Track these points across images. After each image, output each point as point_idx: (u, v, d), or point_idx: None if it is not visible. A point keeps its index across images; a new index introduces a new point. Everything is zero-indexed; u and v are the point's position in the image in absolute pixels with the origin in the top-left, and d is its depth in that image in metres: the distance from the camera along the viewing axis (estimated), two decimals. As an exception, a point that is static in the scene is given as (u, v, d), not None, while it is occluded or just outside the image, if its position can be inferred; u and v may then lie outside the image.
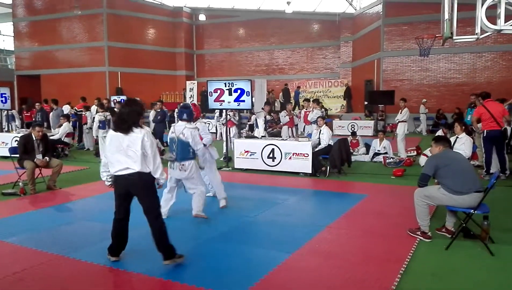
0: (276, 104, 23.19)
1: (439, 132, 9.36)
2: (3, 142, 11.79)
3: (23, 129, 12.86)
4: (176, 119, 5.73)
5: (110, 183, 4.24)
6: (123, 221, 4.21)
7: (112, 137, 4.04)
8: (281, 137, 11.44)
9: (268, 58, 27.40)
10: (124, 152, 3.96)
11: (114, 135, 4.03)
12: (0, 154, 11.38)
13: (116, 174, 4.03)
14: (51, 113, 13.79)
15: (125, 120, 3.97)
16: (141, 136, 3.96)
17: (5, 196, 7.15)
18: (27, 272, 4.02)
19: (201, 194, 5.62)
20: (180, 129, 5.48)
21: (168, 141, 5.68)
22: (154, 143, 4.08)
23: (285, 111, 12.87)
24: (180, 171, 5.51)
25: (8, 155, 8.35)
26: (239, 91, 9.56)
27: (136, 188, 4.04)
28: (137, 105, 4.13)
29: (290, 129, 12.27)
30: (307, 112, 12.18)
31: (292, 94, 23.64)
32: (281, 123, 12.75)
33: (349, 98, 23.05)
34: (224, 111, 10.52)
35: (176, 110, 22.49)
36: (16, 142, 11.11)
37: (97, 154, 11.79)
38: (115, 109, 12.48)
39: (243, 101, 9.61)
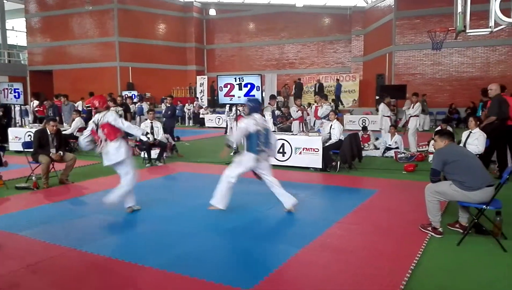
0: (287, 99, 23.11)
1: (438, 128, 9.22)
2: (16, 137, 11.94)
3: (35, 124, 13.03)
4: (236, 112, 5.77)
5: None
6: None
7: None
8: (292, 132, 11.41)
9: (279, 53, 27.31)
10: None
11: None
12: (14, 148, 11.54)
13: None
14: (63, 108, 13.94)
15: None
16: None
17: (19, 190, 7.25)
18: (41, 264, 4.09)
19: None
20: (261, 122, 5.56)
21: (251, 136, 5.46)
22: None
23: (295, 106, 12.84)
24: (265, 162, 5.62)
25: (22, 149, 8.47)
26: (249, 86, 9.57)
27: None
28: None
29: (301, 124, 12.24)
30: (318, 107, 12.15)
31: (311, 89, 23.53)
32: (292, 118, 12.72)
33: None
34: (234, 106, 10.54)
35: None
36: (30, 136, 11.30)
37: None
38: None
39: (253, 96, 9.60)
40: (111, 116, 5.52)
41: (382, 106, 11.97)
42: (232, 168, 5.60)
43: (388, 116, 11.52)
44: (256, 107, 5.67)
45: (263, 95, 14.57)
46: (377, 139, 11.94)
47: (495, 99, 7.68)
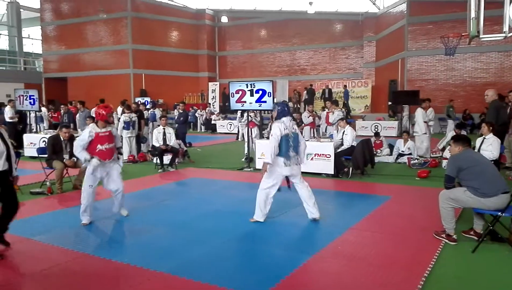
0: (297, 105, 23.08)
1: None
2: (31, 143, 12.13)
3: (50, 130, 13.22)
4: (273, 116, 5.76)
5: None
6: None
7: None
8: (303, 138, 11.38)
9: (290, 59, 27.33)
10: None
11: None
12: (29, 154, 11.72)
13: None
14: (77, 115, 14.12)
15: None
16: None
17: (33, 195, 7.35)
18: (54, 269, 4.13)
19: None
20: (291, 125, 5.58)
21: (281, 139, 5.39)
22: None
23: (307, 111, 12.83)
24: (296, 166, 5.57)
25: (36, 155, 8.60)
26: (260, 92, 9.57)
27: None
28: None
29: (312, 129, 12.21)
30: (329, 113, 12.13)
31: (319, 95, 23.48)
32: (303, 124, 12.71)
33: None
34: (245, 112, 10.57)
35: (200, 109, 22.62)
36: (44, 142, 11.46)
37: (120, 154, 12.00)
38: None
39: (265, 102, 9.61)
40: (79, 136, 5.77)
41: (419, 111, 10.98)
42: (265, 179, 5.58)
43: (426, 122, 10.97)
44: (284, 110, 5.62)
45: (274, 101, 14.55)
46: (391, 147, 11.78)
47: (492, 105, 7.62)
